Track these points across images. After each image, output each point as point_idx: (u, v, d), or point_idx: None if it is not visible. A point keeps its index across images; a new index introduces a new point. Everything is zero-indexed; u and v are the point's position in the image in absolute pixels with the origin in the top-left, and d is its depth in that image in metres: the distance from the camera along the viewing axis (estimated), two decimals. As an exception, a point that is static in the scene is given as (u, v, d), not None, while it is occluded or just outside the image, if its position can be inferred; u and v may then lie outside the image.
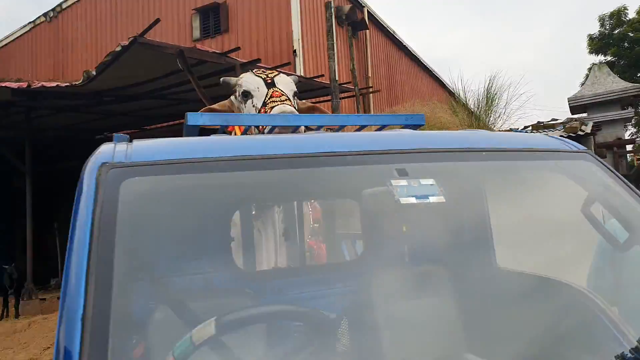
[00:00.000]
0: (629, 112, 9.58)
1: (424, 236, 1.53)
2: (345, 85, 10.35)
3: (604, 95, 9.27)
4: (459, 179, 1.56)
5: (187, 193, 1.36)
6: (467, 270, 1.69)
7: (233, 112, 2.72)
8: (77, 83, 6.37)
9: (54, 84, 6.49)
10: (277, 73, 2.68)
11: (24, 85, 6.48)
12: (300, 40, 11.55)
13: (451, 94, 21.46)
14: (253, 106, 2.51)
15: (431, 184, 1.41)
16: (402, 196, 1.36)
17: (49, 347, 6.93)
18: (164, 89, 8.35)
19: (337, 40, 13.86)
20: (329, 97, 9.39)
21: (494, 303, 1.59)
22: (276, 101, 2.44)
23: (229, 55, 7.17)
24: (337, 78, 8.79)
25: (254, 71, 2.67)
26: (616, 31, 20.04)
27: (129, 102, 9.07)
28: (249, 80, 2.58)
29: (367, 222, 1.45)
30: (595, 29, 21.32)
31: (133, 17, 12.76)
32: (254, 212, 2.40)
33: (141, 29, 5.90)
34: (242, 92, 2.58)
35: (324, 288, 2.01)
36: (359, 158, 1.42)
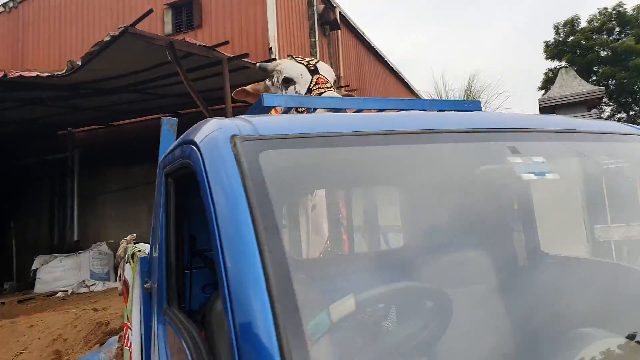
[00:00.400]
0: (594, 113, 10.02)
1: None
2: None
3: (572, 97, 9.65)
4: (562, 158, 1.58)
5: (319, 167, 1.30)
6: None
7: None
8: (60, 73, 6.06)
9: (33, 74, 6.14)
10: (317, 60, 2.64)
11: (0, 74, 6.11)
12: (276, 38, 11.45)
13: (416, 96, 21.87)
14: (296, 92, 2.47)
15: (543, 162, 1.42)
16: (522, 172, 1.37)
17: (21, 353, 6.54)
18: (145, 82, 8.08)
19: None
20: (310, 95, 9.34)
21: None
22: (322, 88, 2.41)
23: (216, 49, 7.02)
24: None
25: (295, 58, 2.62)
26: (570, 39, 20.96)
27: (103, 96, 8.72)
28: (291, 67, 2.54)
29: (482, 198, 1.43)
30: (550, 35, 22.28)
31: (101, 9, 12.26)
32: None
33: (110, 21, 5.70)
34: (282, 79, 2.53)
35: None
36: (474, 135, 1.41)
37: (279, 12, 11.70)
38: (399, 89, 20.82)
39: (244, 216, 0.98)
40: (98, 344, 5.19)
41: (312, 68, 2.51)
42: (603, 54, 20.22)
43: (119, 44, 5.85)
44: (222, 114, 7.61)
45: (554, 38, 21.36)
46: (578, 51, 20.58)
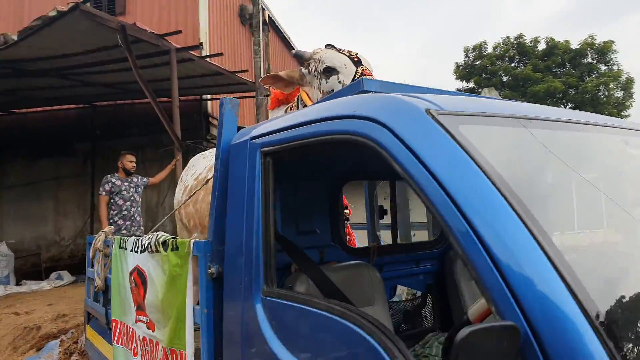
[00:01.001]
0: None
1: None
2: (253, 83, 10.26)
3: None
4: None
5: (518, 145, 1.35)
6: None
7: (300, 83, 2.69)
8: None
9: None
10: (356, 52, 2.70)
11: None
12: (208, 34, 11.22)
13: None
14: (339, 82, 2.51)
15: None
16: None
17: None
18: (75, 68, 7.53)
19: (242, 39, 13.74)
20: (252, 94, 9.30)
21: None
22: (370, 78, 2.48)
23: (165, 37, 6.75)
24: (262, 75, 8.71)
25: (336, 48, 2.67)
26: (477, 62, 22.80)
27: (18, 78, 7.96)
28: (334, 57, 2.58)
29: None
30: (459, 57, 24.05)
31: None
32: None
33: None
34: (324, 68, 2.57)
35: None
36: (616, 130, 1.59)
37: (212, 7, 11.49)
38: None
39: (488, 188, 1.03)
40: (34, 350, 4.74)
41: (356, 59, 2.57)
42: (505, 79, 22.23)
43: (64, 21, 5.43)
44: (168, 106, 7.32)
45: (464, 60, 23.09)
46: (484, 74, 22.42)
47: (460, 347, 0.80)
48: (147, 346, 2.48)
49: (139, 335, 2.58)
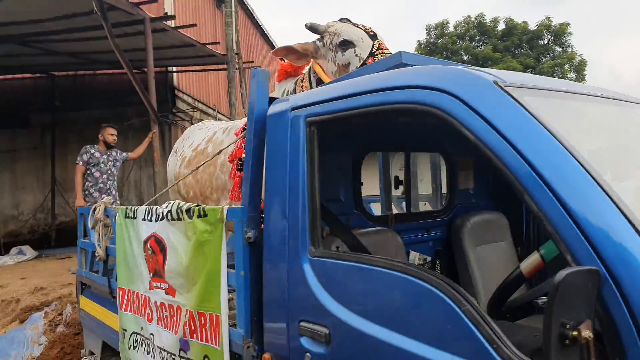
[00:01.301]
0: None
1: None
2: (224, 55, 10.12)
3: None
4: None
5: (580, 117, 1.48)
6: None
7: (314, 56, 2.76)
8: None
9: None
10: (369, 27, 2.77)
11: None
12: (173, 4, 10.94)
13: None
14: (356, 55, 2.59)
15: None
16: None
17: None
18: (40, 35, 7.22)
19: (205, 11, 13.43)
20: (222, 67, 9.18)
21: None
22: (386, 53, 2.58)
23: (140, 6, 6.57)
24: (234, 48, 8.62)
25: (351, 22, 2.74)
26: (439, 41, 23.20)
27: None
28: (351, 31, 2.65)
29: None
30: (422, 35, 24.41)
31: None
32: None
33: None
34: (340, 42, 2.64)
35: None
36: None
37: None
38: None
39: (558, 148, 1.16)
40: (17, 322, 4.68)
41: (372, 34, 2.65)
42: (466, 58, 22.76)
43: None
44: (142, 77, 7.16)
45: (426, 38, 23.44)
46: (445, 53, 22.86)
47: (558, 286, 0.95)
48: (166, 311, 2.55)
49: (155, 302, 2.63)
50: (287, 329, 1.78)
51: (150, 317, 2.73)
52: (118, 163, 6.31)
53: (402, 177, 2.80)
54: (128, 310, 2.99)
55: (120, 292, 3.05)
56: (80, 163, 6.00)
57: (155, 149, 6.62)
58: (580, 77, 23.77)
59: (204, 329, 2.24)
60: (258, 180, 2.08)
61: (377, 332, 1.46)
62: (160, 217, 2.57)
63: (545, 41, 23.84)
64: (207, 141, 3.59)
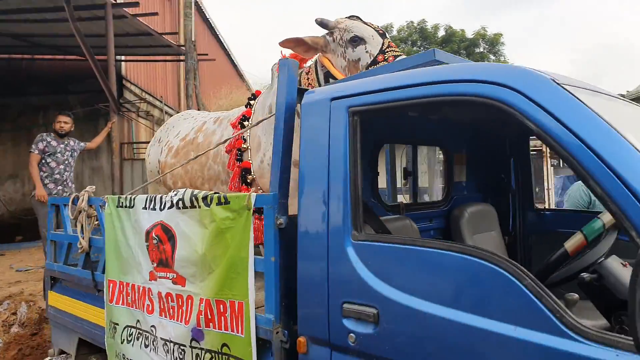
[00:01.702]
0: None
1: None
2: (182, 47, 9.92)
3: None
4: None
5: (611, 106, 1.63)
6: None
7: (323, 50, 2.82)
8: None
9: None
10: (377, 25, 2.87)
11: None
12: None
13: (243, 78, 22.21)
14: (367, 52, 2.69)
15: None
16: None
17: None
18: None
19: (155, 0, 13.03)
20: (175, 58, 8.97)
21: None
22: (397, 51, 2.69)
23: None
24: (193, 38, 8.45)
25: (361, 19, 2.82)
26: (383, 44, 23.77)
27: None
28: (362, 28, 2.74)
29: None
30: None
31: None
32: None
33: None
34: (351, 38, 2.72)
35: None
36: None
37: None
38: (230, 70, 20.90)
39: (613, 134, 1.32)
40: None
41: (381, 32, 2.76)
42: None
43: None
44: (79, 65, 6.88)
45: (370, 41, 23.93)
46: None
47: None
48: (173, 302, 2.52)
49: (159, 292, 2.59)
50: (327, 312, 1.84)
51: (150, 309, 2.68)
52: (75, 153, 6.03)
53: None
54: (120, 303, 2.91)
55: (111, 284, 2.97)
56: (36, 152, 5.68)
57: (115, 140, 6.39)
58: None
59: (222, 317, 2.25)
60: (287, 167, 2.12)
61: (433, 309, 1.56)
62: (169, 205, 2.54)
63: (481, 49, 25.07)
64: (196, 131, 3.55)
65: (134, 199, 2.82)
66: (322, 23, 2.82)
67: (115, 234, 2.95)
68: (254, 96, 3.34)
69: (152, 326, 2.65)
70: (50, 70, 10.78)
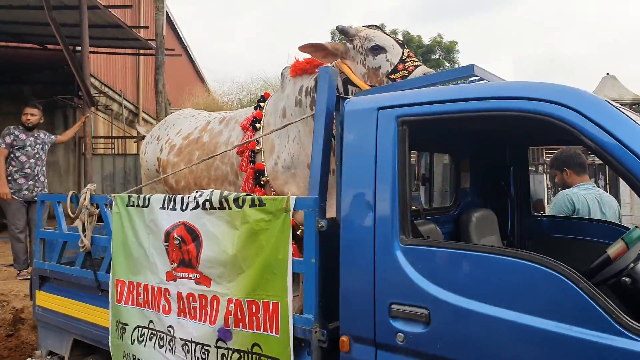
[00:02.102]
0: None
1: None
2: (152, 42, 9.70)
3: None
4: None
5: None
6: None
7: (343, 57, 2.90)
8: None
9: None
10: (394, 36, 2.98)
11: None
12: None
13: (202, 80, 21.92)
14: (387, 60, 2.79)
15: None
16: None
17: None
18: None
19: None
20: (148, 52, 8.78)
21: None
22: (416, 61, 2.81)
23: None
24: (164, 33, 8.30)
25: (382, 30, 2.92)
26: (343, 45, 24.07)
27: None
28: (383, 37, 2.85)
29: None
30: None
31: None
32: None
33: None
34: (372, 46, 2.82)
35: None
36: None
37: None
38: (187, 63, 20.53)
39: None
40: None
41: (401, 42, 2.87)
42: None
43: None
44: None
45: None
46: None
47: None
48: (195, 302, 2.54)
49: (178, 293, 2.60)
50: (373, 312, 1.93)
51: (167, 309, 2.68)
52: (46, 146, 5.81)
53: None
54: (130, 303, 2.89)
55: (119, 284, 2.93)
56: (3, 146, 5.44)
57: (88, 135, 6.20)
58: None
59: (254, 317, 2.29)
60: (326, 172, 2.20)
61: (486, 310, 1.68)
62: (193, 205, 2.55)
63: (437, 56, 25.82)
64: (200, 130, 3.54)
65: (149, 198, 2.81)
66: (343, 30, 2.91)
67: (125, 234, 2.92)
68: (264, 98, 3.37)
69: (170, 327, 2.65)
70: (2, 58, 10.28)
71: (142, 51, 10.86)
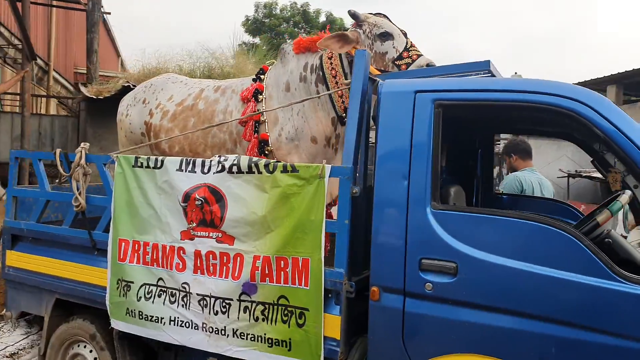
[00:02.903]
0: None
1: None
2: None
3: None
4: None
5: None
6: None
7: (356, 44, 3.19)
8: None
9: None
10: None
11: None
12: None
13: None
14: (394, 47, 3.13)
15: None
16: None
17: None
18: None
19: None
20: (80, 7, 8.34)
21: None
22: (418, 51, 3.17)
23: None
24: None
25: (388, 19, 3.23)
26: (267, 20, 23.97)
27: None
28: (390, 26, 3.18)
29: None
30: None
31: None
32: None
33: None
34: (381, 33, 3.14)
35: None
36: None
37: None
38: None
39: None
40: None
41: (404, 32, 3.21)
42: (289, 41, 23.98)
43: None
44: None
45: (254, 15, 23.97)
46: (271, 33, 23.75)
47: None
48: (215, 259, 2.74)
49: (195, 251, 2.77)
50: (403, 266, 2.30)
51: (181, 267, 2.84)
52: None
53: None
54: (135, 262, 2.99)
55: (123, 243, 3.03)
56: None
57: (27, 91, 5.88)
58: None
59: (282, 272, 2.56)
60: (359, 145, 2.51)
61: (507, 263, 2.12)
62: (218, 168, 2.73)
63: (358, 40, 26.63)
64: (194, 97, 3.65)
65: (162, 160, 2.92)
66: (354, 15, 3.20)
67: (130, 194, 3.01)
68: (262, 71, 3.57)
69: (185, 283, 2.82)
70: None
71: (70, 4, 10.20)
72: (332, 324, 2.45)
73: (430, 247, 2.27)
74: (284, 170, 2.57)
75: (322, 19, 25.62)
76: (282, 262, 2.57)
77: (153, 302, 2.94)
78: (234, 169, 2.70)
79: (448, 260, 2.22)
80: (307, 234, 2.51)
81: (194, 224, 2.80)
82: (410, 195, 2.32)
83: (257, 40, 23.89)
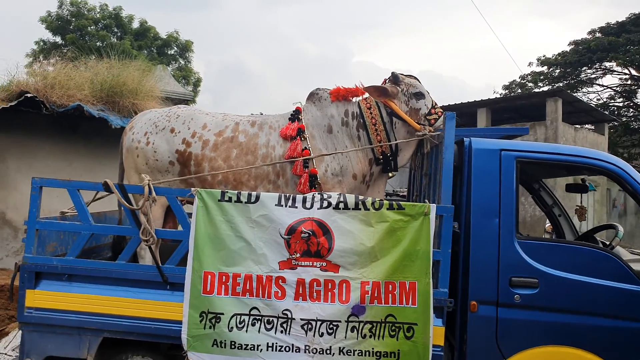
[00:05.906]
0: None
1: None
2: None
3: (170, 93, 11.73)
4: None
5: None
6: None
7: (391, 97, 3.93)
8: None
9: None
10: None
11: None
12: None
13: None
14: (425, 105, 3.97)
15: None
16: None
17: None
18: None
19: None
20: None
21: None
22: (440, 109, 4.04)
23: None
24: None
25: (418, 80, 4.04)
26: (74, 20, 22.16)
27: None
28: (421, 86, 4.01)
29: None
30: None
31: None
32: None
33: None
34: (416, 92, 3.95)
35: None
36: None
37: None
38: None
39: None
40: None
41: (427, 92, 4.05)
42: (99, 44, 22.58)
43: None
44: None
45: (57, 12, 22.01)
46: (79, 33, 22.06)
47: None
48: (319, 286, 3.19)
49: (298, 279, 3.18)
50: (497, 283, 3.17)
51: (280, 295, 3.20)
52: None
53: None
54: (223, 293, 3.21)
55: (208, 276, 3.21)
56: None
57: None
58: (194, 92, 27.32)
59: (390, 294, 3.17)
60: (450, 190, 3.30)
61: (572, 277, 3.16)
62: (324, 204, 3.22)
63: (173, 52, 26.38)
64: (233, 130, 3.90)
65: (257, 195, 3.24)
66: (396, 77, 3.95)
67: (215, 227, 3.24)
68: (298, 112, 4.04)
69: (286, 310, 3.18)
70: None
71: None
72: (437, 334, 3.17)
73: (517, 268, 3.19)
74: (390, 207, 3.20)
75: (136, 25, 24.83)
76: (390, 286, 3.18)
77: (246, 331, 3.20)
78: (341, 205, 3.21)
79: (531, 277, 3.16)
80: (414, 262, 3.17)
81: (298, 255, 3.20)
82: (501, 229, 3.20)
83: (57, 39, 21.98)
